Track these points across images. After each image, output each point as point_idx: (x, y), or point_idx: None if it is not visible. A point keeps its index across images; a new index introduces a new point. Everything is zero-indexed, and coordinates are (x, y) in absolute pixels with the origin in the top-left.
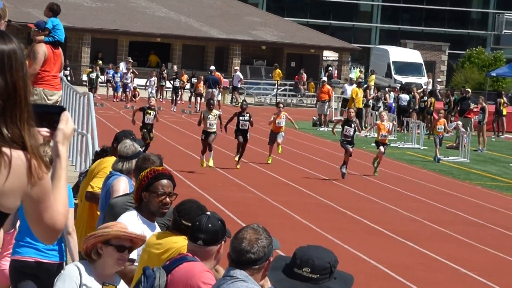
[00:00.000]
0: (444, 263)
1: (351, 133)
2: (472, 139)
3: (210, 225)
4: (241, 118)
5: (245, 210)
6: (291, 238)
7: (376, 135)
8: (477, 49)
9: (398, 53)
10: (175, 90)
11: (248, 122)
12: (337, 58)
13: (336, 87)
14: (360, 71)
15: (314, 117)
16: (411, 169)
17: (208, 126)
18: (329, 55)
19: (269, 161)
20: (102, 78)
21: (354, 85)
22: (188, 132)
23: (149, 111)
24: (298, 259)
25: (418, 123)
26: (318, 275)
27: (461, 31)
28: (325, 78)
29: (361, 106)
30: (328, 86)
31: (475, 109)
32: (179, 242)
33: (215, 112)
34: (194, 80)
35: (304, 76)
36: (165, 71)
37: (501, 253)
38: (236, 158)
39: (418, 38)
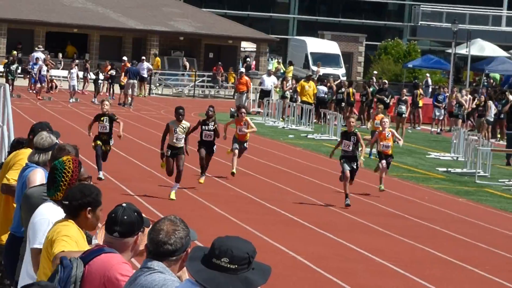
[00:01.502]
0: (361, 253)
1: (350, 148)
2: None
3: (125, 217)
4: (204, 127)
5: (163, 202)
6: (209, 229)
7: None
8: (393, 41)
9: (316, 44)
10: (96, 82)
11: (212, 133)
12: (255, 49)
13: (254, 78)
14: (278, 62)
15: (231, 109)
16: (328, 160)
17: (174, 140)
18: (247, 46)
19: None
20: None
21: (273, 77)
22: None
23: (102, 119)
24: (217, 249)
25: (335, 115)
26: (236, 266)
27: (378, 22)
28: (243, 69)
29: (310, 101)
30: (246, 77)
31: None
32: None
33: (185, 124)
34: (112, 72)
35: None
36: (89, 62)
37: (417, 243)
38: (201, 180)
39: (336, 29)
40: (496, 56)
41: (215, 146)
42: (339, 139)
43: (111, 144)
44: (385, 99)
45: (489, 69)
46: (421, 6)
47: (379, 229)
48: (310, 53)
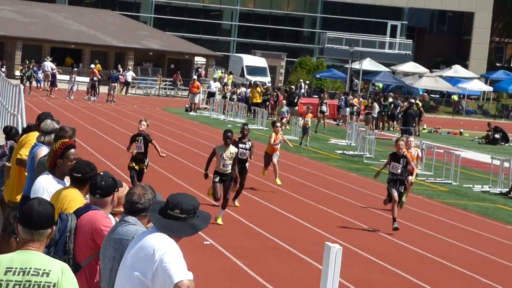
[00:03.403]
0: (285, 216)
1: (399, 171)
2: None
3: (103, 183)
4: (240, 145)
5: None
6: (169, 193)
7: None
8: (305, 58)
9: (250, 60)
10: (94, 85)
11: (248, 151)
12: (205, 62)
13: (203, 83)
14: (222, 72)
15: (186, 105)
16: (258, 145)
17: (221, 166)
18: (199, 60)
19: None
20: (35, 75)
21: (217, 82)
22: (95, 114)
23: (137, 139)
24: (171, 203)
25: (262, 111)
26: (185, 215)
27: (295, 44)
28: (195, 77)
29: (259, 101)
30: (197, 83)
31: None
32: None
33: (233, 149)
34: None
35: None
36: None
37: (320, 205)
38: (237, 203)
39: (264, 49)
40: (380, 71)
41: (248, 164)
42: (386, 160)
43: (146, 162)
44: (294, 100)
45: (374, 80)
46: (327, 33)
47: (293, 195)
48: (245, 66)
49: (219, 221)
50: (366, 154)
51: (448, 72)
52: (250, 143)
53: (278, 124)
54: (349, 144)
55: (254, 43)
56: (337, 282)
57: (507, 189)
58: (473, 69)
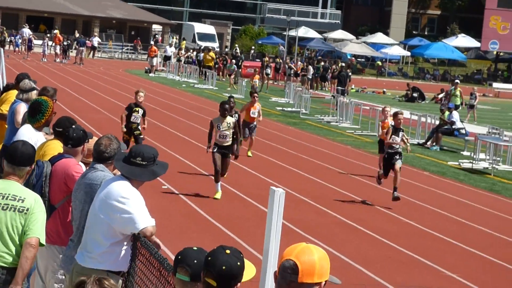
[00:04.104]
0: (233, 164)
1: (397, 145)
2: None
3: (75, 134)
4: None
5: (101, 127)
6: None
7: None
8: (249, 26)
9: (200, 27)
10: (65, 49)
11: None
12: (161, 30)
13: (160, 48)
14: (176, 38)
15: (146, 67)
16: (207, 101)
17: (218, 137)
18: (156, 27)
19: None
20: (13, 40)
21: (173, 47)
22: (63, 73)
23: (136, 109)
24: (133, 152)
25: (212, 72)
26: (146, 162)
27: (240, 14)
28: (153, 42)
29: (211, 65)
30: (155, 47)
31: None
32: (52, 144)
33: (229, 120)
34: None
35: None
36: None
37: (263, 154)
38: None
39: (213, 18)
40: (313, 37)
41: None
42: (388, 132)
43: (139, 130)
44: (239, 63)
45: (309, 46)
46: (268, 4)
47: (241, 146)
48: (196, 33)
49: (218, 195)
50: (302, 110)
51: (372, 39)
52: (237, 115)
53: (256, 94)
54: (287, 102)
55: (204, 13)
56: (280, 223)
57: (424, 140)
58: (393, 36)
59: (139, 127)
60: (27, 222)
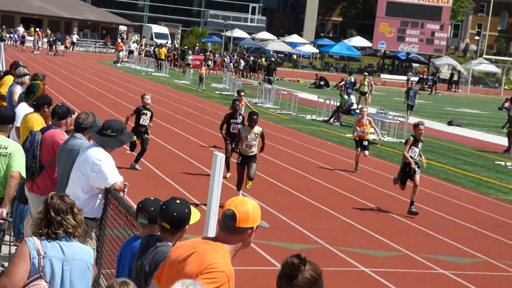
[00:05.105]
0: (181, 134)
1: (416, 155)
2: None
3: (60, 110)
4: (232, 120)
5: (79, 106)
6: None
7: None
8: (195, 27)
9: (156, 28)
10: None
11: (240, 125)
12: (126, 29)
13: (125, 43)
14: (138, 36)
15: (114, 59)
16: (161, 86)
17: (244, 147)
18: (122, 28)
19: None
20: (12, 36)
21: (135, 43)
22: (51, 64)
23: (145, 112)
24: (105, 126)
25: (166, 63)
26: (115, 133)
27: (188, 18)
28: (120, 39)
29: (163, 57)
30: (121, 43)
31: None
32: (33, 117)
33: (257, 130)
34: (51, 38)
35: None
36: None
37: (207, 128)
38: (227, 175)
39: (167, 21)
40: (245, 37)
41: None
42: (407, 142)
43: (148, 133)
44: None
45: (241, 43)
46: (209, 11)
47: (186, 120)
48: (153, 32)
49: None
50: (235, 94)
51: (289, 39)
52: (241, 117)
53: (242, 93)
54: (224, 87)
55: (160, 17)
56: (221, 180)
57: (328, 118)
58: (305, 37)
59: (148, 130)
60: (10, 162)
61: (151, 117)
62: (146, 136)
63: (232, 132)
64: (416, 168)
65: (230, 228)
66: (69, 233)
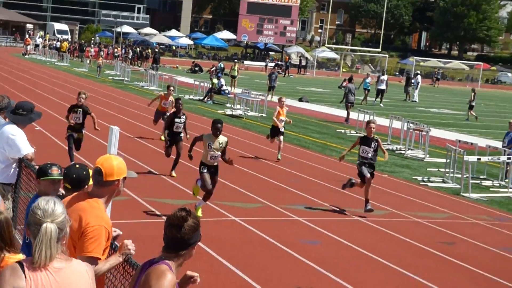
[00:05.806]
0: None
1: (369, 155)
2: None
3: (25, 106)
4: (176, 119)
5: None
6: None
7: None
8: (90, 25)
9: (58, 26)
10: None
11: (182, 125)
12: (33, 27)
13: (32, 39)
14: (42, 33)
15: (22, 52)
16: (64, 74)
17: (209, 158)
18: (29, 26)
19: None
20: None
21: (41, 38)
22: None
23: (76, 110)
24: (17, 106)
25: (66, 55)
26: (26, 113)
27: (84, 17)
28: (27, 35)
29: (65, 50)
30: (29, 39)
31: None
32: None
33: (222, 139)
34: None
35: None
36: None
37: (117, 113)
38: (174, 173)
39: (67, 20)
40: (132, 32)
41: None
42: (354, 143)
43: (83, 132)
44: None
45: (129, 37)
46: (102, 11)
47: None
48: (56, 29)
49: (199, 213)
50: (125, 79)
51: (169, 33)
52: (185, 116)
53: (172, 88)
54: (116, 73)
55: (61, 16)
56: (116, 150)
57: (202, 97)
58: (182, 31)
59: (83, 129)
60: None
61: (84, 114)
62: (79, 134)
63: (175, 131)
64: (370, 169)
65: (99, 182)
66: None
